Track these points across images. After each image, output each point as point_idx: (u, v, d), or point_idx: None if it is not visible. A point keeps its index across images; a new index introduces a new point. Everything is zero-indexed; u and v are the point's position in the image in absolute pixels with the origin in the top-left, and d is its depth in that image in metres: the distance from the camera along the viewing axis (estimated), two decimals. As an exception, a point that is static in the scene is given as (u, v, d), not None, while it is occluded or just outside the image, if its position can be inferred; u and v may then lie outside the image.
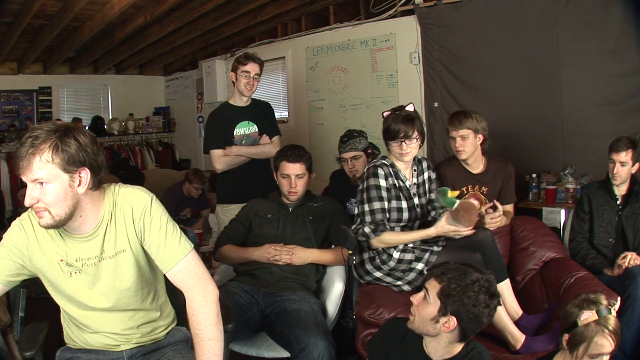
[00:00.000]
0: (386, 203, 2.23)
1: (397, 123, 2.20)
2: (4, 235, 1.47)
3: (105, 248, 1.47)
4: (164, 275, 1.57)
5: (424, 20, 3.99)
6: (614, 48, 3.23)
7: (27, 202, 1.33)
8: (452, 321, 1.46)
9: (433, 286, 1.50)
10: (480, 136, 2.60)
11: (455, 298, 1.45)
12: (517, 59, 3.60)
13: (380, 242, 2.23)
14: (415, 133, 2.20)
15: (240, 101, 3.00)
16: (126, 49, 5.30)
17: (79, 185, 1.35)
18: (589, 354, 1.46)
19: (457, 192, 2.06)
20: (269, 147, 2.98)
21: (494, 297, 1.49)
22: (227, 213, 2.92)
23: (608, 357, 1.47)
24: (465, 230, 2.11)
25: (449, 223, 2.12)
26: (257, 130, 3.01)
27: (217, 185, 3.18)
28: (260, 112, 3.05)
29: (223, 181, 3.05)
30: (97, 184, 1.41)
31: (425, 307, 1.50)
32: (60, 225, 1.38)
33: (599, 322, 1.46)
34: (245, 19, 4.69)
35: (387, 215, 2.23)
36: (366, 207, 2.23)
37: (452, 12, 3.86)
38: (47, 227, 1.37)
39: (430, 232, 2.17)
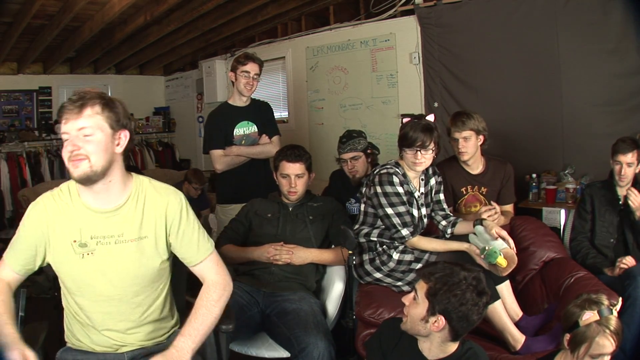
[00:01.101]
0: (408, 207, 2.24)
1: (416, 131, 2.19)
2: (23, 221, 1.51)
3: (126, 230, 1.49)
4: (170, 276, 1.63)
5: (424, 20, 3.99)
6: (614, 48, 3.23)
7: (67, 150, 1.37)
8: (441, 321, 1.46)
9: (421, 286, 1.51)
10: (482, 137, 2.60)
11: (442, 297, 1.45)
12: (517, 59, 3.60)
13: (412, 244, 2.24)
14: (432, 144, 2.20)
15: (240, 101, 2.99)
16: (126, 49, 5.30)
17: (117, 144, 1.44)
18: (590, 354, 1.47)
19: (504, 264, 2.00)
20: (268, 147, 2.98)
21: (483, 295, 1.48)
22: (226, 213, 2.92)
23: (609, 357, 1.47)
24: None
25: (474, 243, 2.13)
26: (256, 130, 3.01)
27: (216, 185, 3.18)
28: (259, 112, 3.05)
29: (223, 181, 3.05)
30: (127, 158, 1.52)
31: (415, 307, 1.51)
32: (93, 180, 1.41)
33: (601, 323, 1.47)
34: (245, 19, 4.69)
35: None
36: (389, 211, 2.22)
37: (452, 12, 3.85)
38: (81, 178, 1.39)
39: (462, 247, 2.15)
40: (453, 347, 1.53)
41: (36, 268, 1.52)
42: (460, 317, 1.45)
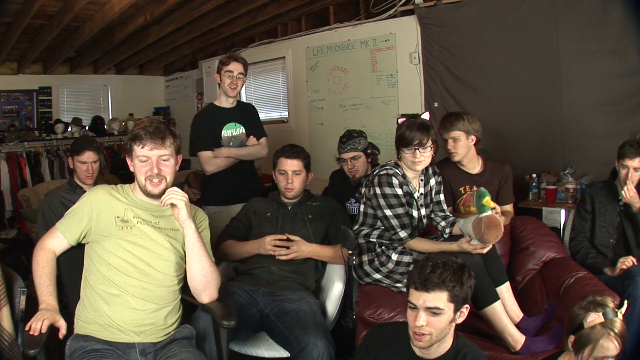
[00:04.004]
0: (407, 208, 2.24)
1: (412, 130, 2.18)
2: (80, 200, 1.81)
3: (162, 221, 1.80)
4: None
5: (424, 20, 3.99)
6: (614, 48, 3.23)
7: (147, 170, 1.73)
8: (466, 308, 1.54)
9: (439, 297, 1.48)
10: (473, 137, 2.60)
11: (460, 291, 1.51)
12: (517, 59, 3.60)
13: (409, 246, 2.24)
14: (430, 142, 2.19)
15: (226, 102, 2.98)
16: (126, 49, 5.29)
17: (176, 164, 1.80)
18: (594, 357, 1.47)
19: (493, 204, 2.00)
20: (257, 148, 2.97)
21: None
22: (212, 215, 2.89)
23: (613, 359, 1.47)
24: (482, 248, 2.08)
25: (463, 228, 2.10)
26: (244, 131, 3.00)
27: (204, 186, 3.14)
28: (245, 113, 3.04)
29: (211, 183, 3.00)
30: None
31: (440, 319, 1.49)
32: (162, 194, 1.74)
33: (605, 325, 1.47)
34: (245, 19, 4.69)
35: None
36: (388, 212, 2.22)
37: (452, 12, 3.86)
38: (160, 194, 1.73)
39: (453, 247, 2.14)
40: (448, 343, 1.54)
41: (80, 239, 1.78)
42: (469, 293, 1.55)
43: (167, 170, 1.76)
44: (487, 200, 1.97)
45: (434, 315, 1.48)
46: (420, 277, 1.50)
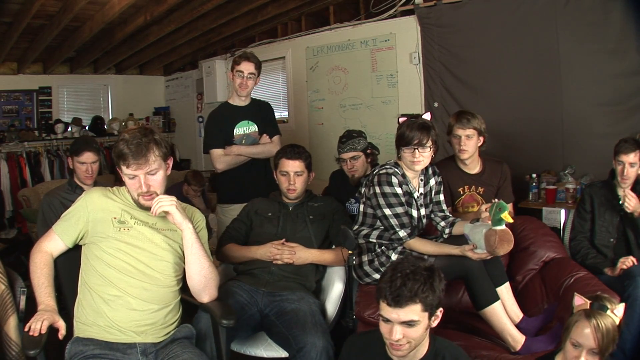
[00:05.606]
0: (407, 208, 2.24)
1: (412, 130, 2.18)
2: (76, 202, 1.81)
3: (159, 221, 1.79)
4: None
5: (424, 20, 3.99)
6: (614, 48, 3.23)
7: (143, 189, 1.70)
8: (439, 312, 1.52)
9: (412, 310, 1.45)
10: (482, 138, 2.61)
11: (433, 299, 1.47)
12: (517, 59, 3.60)
13: (408, 246, 2.24)
14: (429, 142, 2.19)
15: (239, 101, 3.00)
16: (126, 49, 5.30)
17: (168, 168, 1.77)
18: (571, 339, 1.47)
19: (511, 220, 1.98)
20: (269, 147, 2.98)
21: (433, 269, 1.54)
22: (226, 213, 2.93)
23: (587, 354, 1.45)
24: (485, 257, 2.07)
25: (470, 235, 2.08)
26: (256, 129, 3.01)
27: (217, 185, 3.18)
28: (260, 111, 3.05)
29: (223, 181, 3.05)
30: None
31: (416, 329, 1.46)
32: None
33: (588, 313, 1.47)
34: (245, 19, 4.69)
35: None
36: (387, 212, 2.22)
37: (452, 12, 3.86)
38: (148, 206, 1.71)
39: (455, 251, 2.13)
40: (425, 346, 1.54)
41: (77, 241, 1.78)
42: (440, 296, 1.51)
43: (156, 184, 1.74)
44: (506, 215, 1.95)
45: (410, 327, 1.46)
46: (391, 293, 1.44)
